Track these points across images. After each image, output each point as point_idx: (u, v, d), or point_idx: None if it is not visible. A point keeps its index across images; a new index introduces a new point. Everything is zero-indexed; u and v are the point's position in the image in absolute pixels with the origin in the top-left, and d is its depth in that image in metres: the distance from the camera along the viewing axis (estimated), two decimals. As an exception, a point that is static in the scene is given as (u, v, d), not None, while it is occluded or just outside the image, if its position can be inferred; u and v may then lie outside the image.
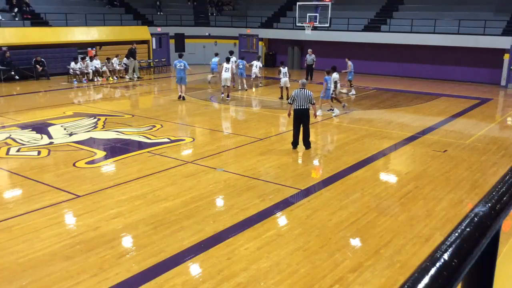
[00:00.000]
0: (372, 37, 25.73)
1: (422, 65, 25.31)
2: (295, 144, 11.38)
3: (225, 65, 18.29)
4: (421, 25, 24.20)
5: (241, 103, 17.89)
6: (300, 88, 11.21)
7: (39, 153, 10.97)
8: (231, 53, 21.03)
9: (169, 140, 12.19)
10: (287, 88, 18.16)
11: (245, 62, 20.52)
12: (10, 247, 6.41)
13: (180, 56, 18.51)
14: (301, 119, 11.17)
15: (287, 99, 16.15)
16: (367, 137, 12.74)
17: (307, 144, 11.40)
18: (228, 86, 18.26)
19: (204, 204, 8.00)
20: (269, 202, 8.10)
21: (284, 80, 18.09)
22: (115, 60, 23.94)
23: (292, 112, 11.27)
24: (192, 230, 6.98)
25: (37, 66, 22.51)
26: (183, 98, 18.17)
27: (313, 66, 24.06)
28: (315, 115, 11.51)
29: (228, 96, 18.34)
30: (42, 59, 22.72)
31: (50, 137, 12.35)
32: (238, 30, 30.70)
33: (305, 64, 24.48)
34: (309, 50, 24.50)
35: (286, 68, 18.28)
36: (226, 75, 17.99)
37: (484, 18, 22.84)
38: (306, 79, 21.53)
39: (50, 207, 7.79)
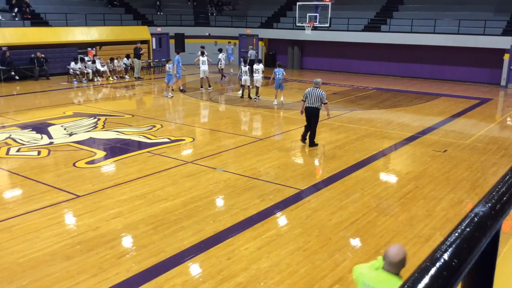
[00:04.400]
0: (372, 37, 25.72)
1: (422, 65, 25.31)
2: (303, 138, 11.70)
3: (201, 58, 20.02)
4: (421, 25, 24.19)
5: (241, 103, 17.90)
6: (313, 87, 11.43)
7: (39, 153, 10.97)
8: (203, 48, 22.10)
9: (169, 140, 12.19)
10: (248, 87, 18.44)
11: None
12: (10, 247, 6.42)
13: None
14: (310, 117, 11.42)
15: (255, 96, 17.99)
16: (367, 137, 12.74)
17: (311, 143, 11.58)
18: (207, 77, 20.20)
19: (204, 204, 8.00)
20: (269, 202, 8.10)
21: (245, 78, 18.16)
22: (116, 62, 23.95)
23: (304, 110, 11.69)
24: (192, 230, 6.98)
25: (35, 61, 22.43)
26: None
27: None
28: (328, 114, 11.78)
29: (209, 86, 20.43)
30: (43, 56, 22.65)
31: (50, 137, 12.35)
32: (238, 30, 30.69)
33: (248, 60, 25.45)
34: (250, 46, 26.66)
35: (247, 66, 18.27)
36: (204, 67, 19.91)
37: (484, 18, 22.83)
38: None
39: (50, 207, 7.79)
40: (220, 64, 23.01)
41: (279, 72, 16.96)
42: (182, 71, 19.83)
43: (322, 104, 11.32)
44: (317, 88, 11.36)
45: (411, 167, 10.24)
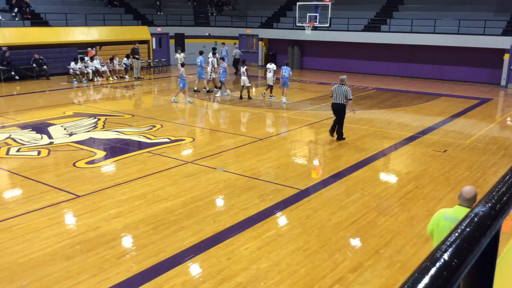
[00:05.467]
0: (372, 37, 25.72)
1: (422, 65, 25.31)
2: (331, 131, 12.20)
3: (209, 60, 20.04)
4: (421, 25, 24.19)
5: (241, 103, 17.89)
6: (338, 84, 11.90)
7: (39, 153, 10.97)
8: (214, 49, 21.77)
9: (169, 140, 12.18)
10: (247, 87, 18.29)
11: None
12: (10, 247, 6.42)
13: None
14: (336, 112, 11.99)
15: (248, 98, 18.28)
16: (367, 137, 12.74)
17: (339, 137, 12.17)
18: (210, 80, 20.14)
19: (204, 204, 8.00)
20: (269, 202, 8.10)
21: (243, 79, 18.10)
22: (115, 61, 23.95)
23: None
24: (192, 230, 6.98)
25: (34, 65, 22.47)
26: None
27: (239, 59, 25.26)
28: (353, 110, 12.31)
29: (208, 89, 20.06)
30: (41, 57, 22.68)
31: (50, 137, 12.35)
32: (238, 30, 30.70)
33: (233, 58, 26.11)
34: (235, 45, 26.80)
35: (245, 67, 18.23)
36: (209, 68, 19.91)
37: (484, 18, 22.83)
38: (236, 73, 24.69)
39: (50, 207, 7.79)
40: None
41: (286, 70, 17.45)
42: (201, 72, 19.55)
43: (347, 100, 11.80)
44: (343, 85, 11.86)
45: (411, 167, 10.24)
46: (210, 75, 20.11)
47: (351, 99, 11.87)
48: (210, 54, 20.44)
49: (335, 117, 12.14)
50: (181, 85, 17.62)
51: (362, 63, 27.10)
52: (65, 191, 8.51)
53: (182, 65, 18.12)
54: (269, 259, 6.12)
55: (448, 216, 4.48)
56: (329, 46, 27.63)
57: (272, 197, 8.32)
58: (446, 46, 23.61)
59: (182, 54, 22.57)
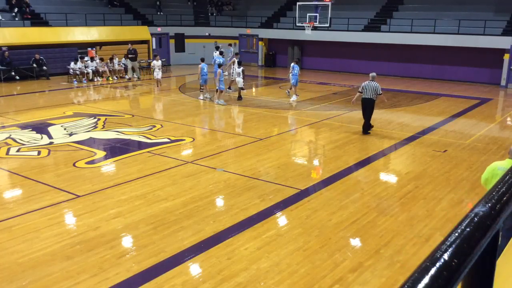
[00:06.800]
0: (372, 37, 25.73)
1: (422, 65, 25.31)
2: (364, 130, 12.88)
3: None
4: (421, 25, 24.20)
5: (241, 103, 17.89)
6: (369, 80, 12.51)
7: (39, 153, 10.97)
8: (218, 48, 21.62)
9: (169, 140, 12.19)
10: (241, 88, 18.19)
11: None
12: (10, 247, 6.42)
13: None
14: (366, 107, 12.62)
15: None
16: (367, 137, 12.74)
17: (365, 130, 12.84)
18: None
19: (204, 204, 8.00)
20: (269, 202, 8.10)
21: (238, 80, 18.04)
22: (115, 61, 23.94)
23: (356, 100, 13.10)
24: (192, 230, 6.98)
25: (34, 65, 22.48)
26: None
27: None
28: (385, 100, 13.52)
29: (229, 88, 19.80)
30: (41, 57, 22.70)
31: (50, 137, 12.35)
32: (238, 30, 30.70)
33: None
34: (228, 45, 26.06)
35: (241, 68, 18.09)
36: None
37: (484, 18, 22.83)
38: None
39: (50, 207, 7.79)
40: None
41: (297, 68, 18.08)
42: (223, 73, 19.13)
43: (377, 95, 12.45)
44: (373, 81, 12.48)
45: (411, 167, 10.24)
46: (233, 76, 19.69)
47: (381, 94, 12.55)
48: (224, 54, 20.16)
49: (363, 114, 12.75)
50: (222, 86, 17.39)
51: (362, 63, 27.10)
52: (65, 191, 8.51)
53: (219, 66, 17.56)
54: (269, 259, 6.12)
55: (502, 167, 5.44)
56: (329, 46, 27.64)
57: (272, 197, 8.32)
58: (446, 46, 23.61)
59: (160, 61, 21.91)
